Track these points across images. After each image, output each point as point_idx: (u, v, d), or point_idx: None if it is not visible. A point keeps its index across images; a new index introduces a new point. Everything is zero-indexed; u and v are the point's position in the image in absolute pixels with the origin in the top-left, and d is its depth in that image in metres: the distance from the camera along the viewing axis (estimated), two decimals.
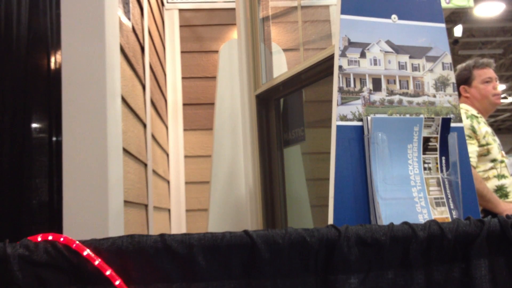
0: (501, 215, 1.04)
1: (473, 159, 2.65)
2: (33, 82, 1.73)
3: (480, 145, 2.70)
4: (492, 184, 2.68)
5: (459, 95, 2.97)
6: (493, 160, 2.72)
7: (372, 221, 1.23)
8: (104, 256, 0.87)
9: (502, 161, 2.74)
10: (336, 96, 1.29)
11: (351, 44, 1.33)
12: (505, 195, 2.69)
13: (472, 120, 2.74)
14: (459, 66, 3.04)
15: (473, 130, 2.70)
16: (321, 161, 2.14)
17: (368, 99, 1.31)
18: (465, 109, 2.83)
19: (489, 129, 2.77)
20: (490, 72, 2.93)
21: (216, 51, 3.09)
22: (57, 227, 1.50)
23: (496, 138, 2.79)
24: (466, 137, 2.65)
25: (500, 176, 2.71)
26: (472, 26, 10.60)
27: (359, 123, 1.29)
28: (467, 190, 1.31)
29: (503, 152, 2.81)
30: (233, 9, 2.46)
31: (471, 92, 2.92)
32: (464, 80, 2.95)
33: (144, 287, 0.88)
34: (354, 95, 1.30)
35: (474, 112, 2.82)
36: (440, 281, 0.98)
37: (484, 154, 2.71)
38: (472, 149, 2.66)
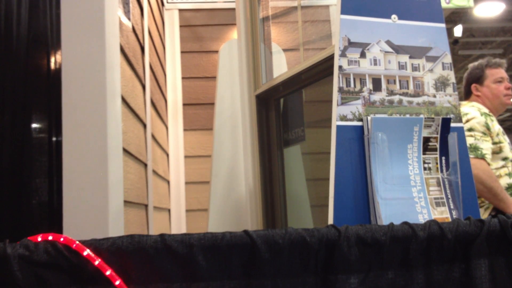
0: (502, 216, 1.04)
1: (488, 156, 2.63)
2: (33, 82, 1.73)
3: (494, 143, 2.69)
4: (503, 182, 2.68)
5: (470, 93, 2.97)
6: (505, 159, 2.71)
7: (372, 221, 1.23)
8: (104, 256, 0.87)
9: None
10: (336, 96, 1.29)
11: (351, 44, 1.33)
12: None
13: (486, 117, 2.73)
14: (471, 65, 3.03)
15: (488, 127, 2.69)
16: (321, 161, 2.14)
17: (368, 99, 1.31)
18: (477, 107, 2.82)
19: (500, 128, 2.77)
20: (502, 72, 2.92)
21: (216, 51, 3.09)
22: (57, 227, 1.50)
23: (506, 137, 2.79)
24: (481, 134, 2.66)
25: (511, 175, 2.71)
26: (472, 26, 10.58)
27: (359, 123, 1.29)
28: (467, 190, 1.31)
29: None
30: (233, 9, 2.45)
31: (482, 91, 2.91)
32: (476, 78, 2.94)
33: (144, 287, 0.88)
34: (354, 95, 1.30)
35: (486, 110, 2.82)
36: (440, 281, 0.98)
37: (496, 152, 2.70)
38: (487, 146, 2.65)
